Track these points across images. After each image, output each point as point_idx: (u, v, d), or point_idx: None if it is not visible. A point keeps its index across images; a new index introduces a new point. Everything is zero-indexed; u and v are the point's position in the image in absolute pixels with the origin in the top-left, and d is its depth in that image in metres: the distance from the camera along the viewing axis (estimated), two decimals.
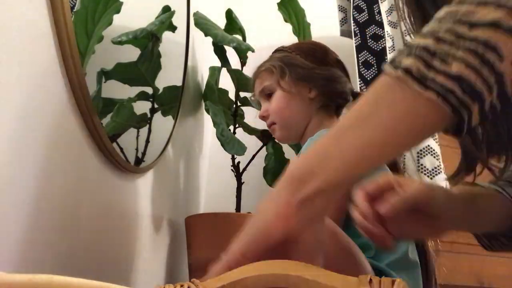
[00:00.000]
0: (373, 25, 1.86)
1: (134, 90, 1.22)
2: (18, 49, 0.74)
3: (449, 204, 0.67)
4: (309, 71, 1.07)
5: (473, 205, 0.70)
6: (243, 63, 1.64)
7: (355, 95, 1.13)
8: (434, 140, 1.70)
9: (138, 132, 1.23)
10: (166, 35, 1.37)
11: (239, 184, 1.53)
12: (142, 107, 1.26)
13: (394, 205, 0.59)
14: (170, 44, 1.43)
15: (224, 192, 1.74)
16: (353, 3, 1.90)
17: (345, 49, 1.95)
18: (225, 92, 1.63)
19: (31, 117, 0.78)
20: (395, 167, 1.07)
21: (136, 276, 1.22)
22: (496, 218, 0.73)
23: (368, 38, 1.84)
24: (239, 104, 1.62)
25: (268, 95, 1.12)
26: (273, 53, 1.17)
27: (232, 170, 1.54)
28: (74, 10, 0.90)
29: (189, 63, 1.58)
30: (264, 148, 1.58)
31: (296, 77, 1.08)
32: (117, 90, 1.11)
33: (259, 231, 0.57)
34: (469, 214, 0.70)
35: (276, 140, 1.38)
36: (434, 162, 1.55)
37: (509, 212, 0.72)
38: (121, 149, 1.10)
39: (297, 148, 1.53)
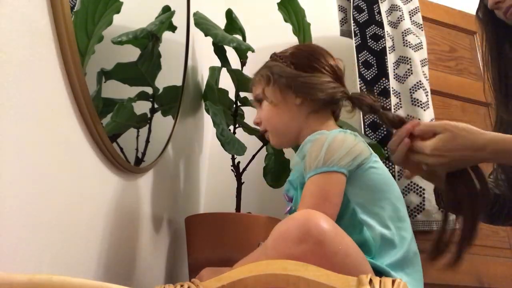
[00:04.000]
0: (373, 25, 1.86)
1: (134, 90, 1.22)
2: (18, 49, 0.74)
3: None
4: (292, 79, 1.09)
5: None
6: (243, 63, 1.64)
7: (352, 99, 1.12)
8: None
9: (138, 132, 1.23)
10: (166, 35, 1.37)
11: (239, 184, 1.53)
12: (142, 107, 1.26)
13: None
14: (170, 44, 1.43)
15: (224, 192, 1.74)
16: (353, 3, 1.90)
17: (345, 49, 1.95)
18: (225, 92, 1.63)
19: (31, 117, 0.78)
20: None
21: (136, 276, 1.22)
22: None
23: (368, 38, 1.84)
24: (239, 104, 1.62)
25: (260, 102, 1.15)
26: (269, 59, 1.20)
27: (232, 170, 1.54)
28: (74, 10, 0.90)
29: (189, 63, 1.58)
30: (264, 148, 1.58)
31: (281, 86, 1.10)
32: (117, 90, 1.11)
33: None
34: None
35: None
36: None
37: None
38: (121, 149, 1.10)
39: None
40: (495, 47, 1.21)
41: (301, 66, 1.11)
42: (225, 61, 1.62)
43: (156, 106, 1.32)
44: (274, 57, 1.17)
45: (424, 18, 1.92)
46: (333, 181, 0.94)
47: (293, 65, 1.11)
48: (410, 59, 1.79)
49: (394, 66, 1.81)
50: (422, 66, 1.81)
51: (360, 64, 1.81)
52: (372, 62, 1.80)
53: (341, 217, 0.95)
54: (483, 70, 1.24)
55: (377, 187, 0.97)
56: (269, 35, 1.94)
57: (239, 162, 1.55)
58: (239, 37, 1.63)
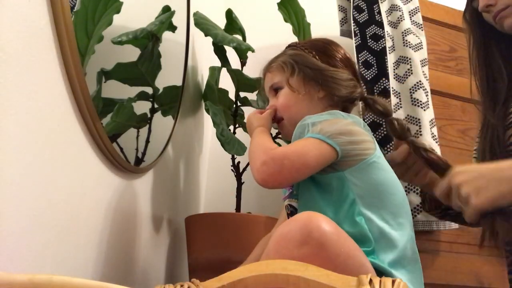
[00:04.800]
0: (373, 25, 1.86)
1: (134, 90, 1.22)
2: (18, 49, 0.74)
3: None
4: (319, 72, 1.08)
5: None
6: (243, 63, 1.64)
7: (366, 101, 1.13)
8: (434, 140, 1.70)
9: (138, 132, 1.23)
10: (166, 35, 1.37)
11: (239, 184, 1.53)
12: (142, 107, 1.26)
13: None
14: (170, 44, 1.43)
15: (224, 192, 1.74)
16: (353, 3, 1.90)
17: (345, 49, 1.95)
18: (225, 92, 1.63)
19: (31, 117, 0.78)
20: None
21: (136, 276, 1.22)
22: None
23: (368, 38, 1.84)
24: (239, 104, 1.62)
25: (276, 90, 1.13)
26: (286, 48, 1.18)
27: (232, 170, 1.55)
28: (74, 10, 0.90)
29: (189, 63, 1.58)
30: None
31: (306, 77, 1.09)
32: (117, 90, 1.11)
33: None
34: None
35: (282, 138, 1.38)
36: None
37: None
38: (121, 149, 1.10)
39: None
40: (483, 50, 1.20)
41: (326, 60, 1.11)
42: (225, 61, 1.62)
43: (156, 106, 1.32)
44: (295, 46, 1.15)
45: (424, 18, 1.92)
46: (320, 148, 0.95)
47: (318, 57, 1.11)
48: (410, 59, 1.79)
49: (394, 66, 1.81)
50: (422, 66, 1.81)
51: (360, 64, 1.80)
52: (372, 62, 1.80)
53: (340, 206, 0.94)
54: (470, 71, 1.23)
55: (379, 182, 0.97)
56: (269, 35, 1.94)
57: (239, 162, 1.55)
58: (239, 37, 1.63)
